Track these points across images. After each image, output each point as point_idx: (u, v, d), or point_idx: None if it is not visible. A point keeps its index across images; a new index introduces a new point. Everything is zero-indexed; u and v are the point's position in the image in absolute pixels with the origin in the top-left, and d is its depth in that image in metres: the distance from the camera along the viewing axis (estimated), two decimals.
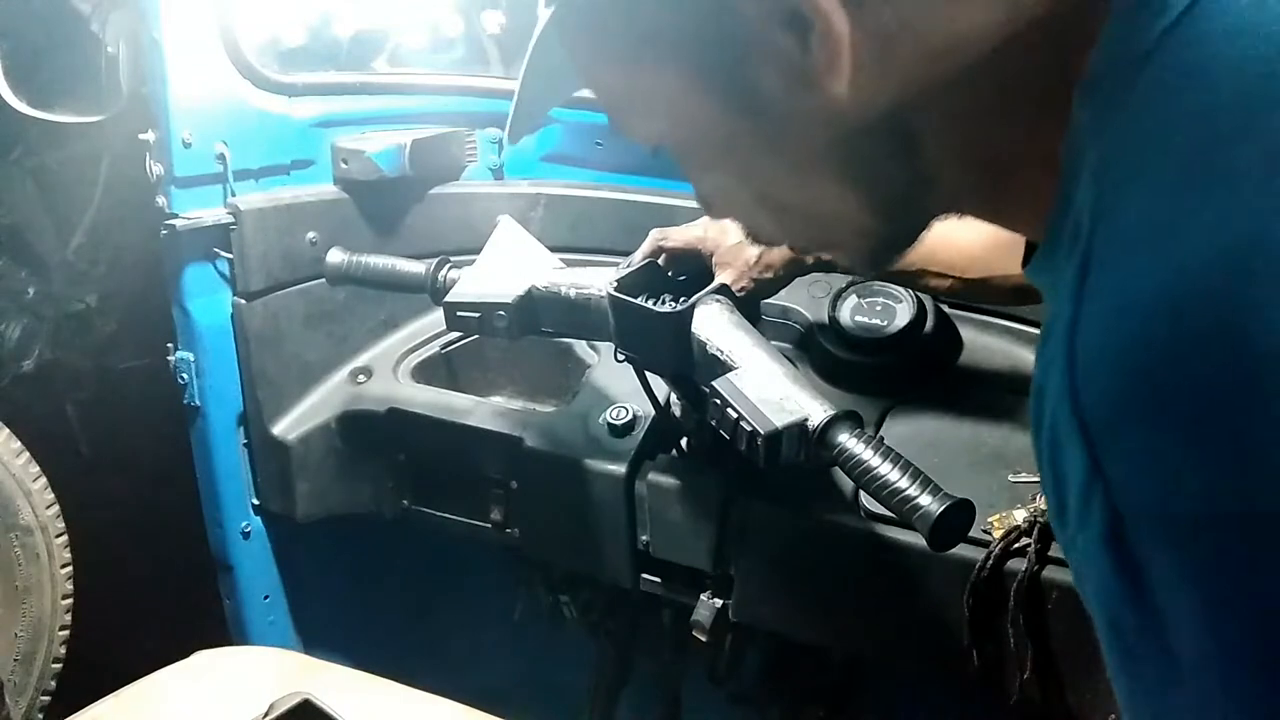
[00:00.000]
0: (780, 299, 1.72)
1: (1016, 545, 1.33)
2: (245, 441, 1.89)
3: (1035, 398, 0.58)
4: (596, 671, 2.09)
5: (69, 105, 1.82)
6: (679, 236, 1.46)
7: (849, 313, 1.67)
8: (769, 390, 1.20)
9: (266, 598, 2.01)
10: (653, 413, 1.57)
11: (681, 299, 1.37)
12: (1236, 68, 0.52)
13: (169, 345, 1.82)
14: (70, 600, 1.89)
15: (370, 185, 1.85)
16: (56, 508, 1.87)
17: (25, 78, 1.79)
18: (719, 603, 1.60)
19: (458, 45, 2.13)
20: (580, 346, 1.86)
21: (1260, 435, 0.47)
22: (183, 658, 1.42)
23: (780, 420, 1.16)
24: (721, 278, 1.42)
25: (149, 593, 2.16)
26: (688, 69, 0.65)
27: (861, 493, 1.41)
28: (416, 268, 1.63)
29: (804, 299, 1.72)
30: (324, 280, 1.75)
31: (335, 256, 1.69)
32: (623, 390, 1.66)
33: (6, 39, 1.78)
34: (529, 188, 2.00)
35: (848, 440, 1.16)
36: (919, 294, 1.65)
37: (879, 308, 1.67)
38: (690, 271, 1.46)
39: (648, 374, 1.50)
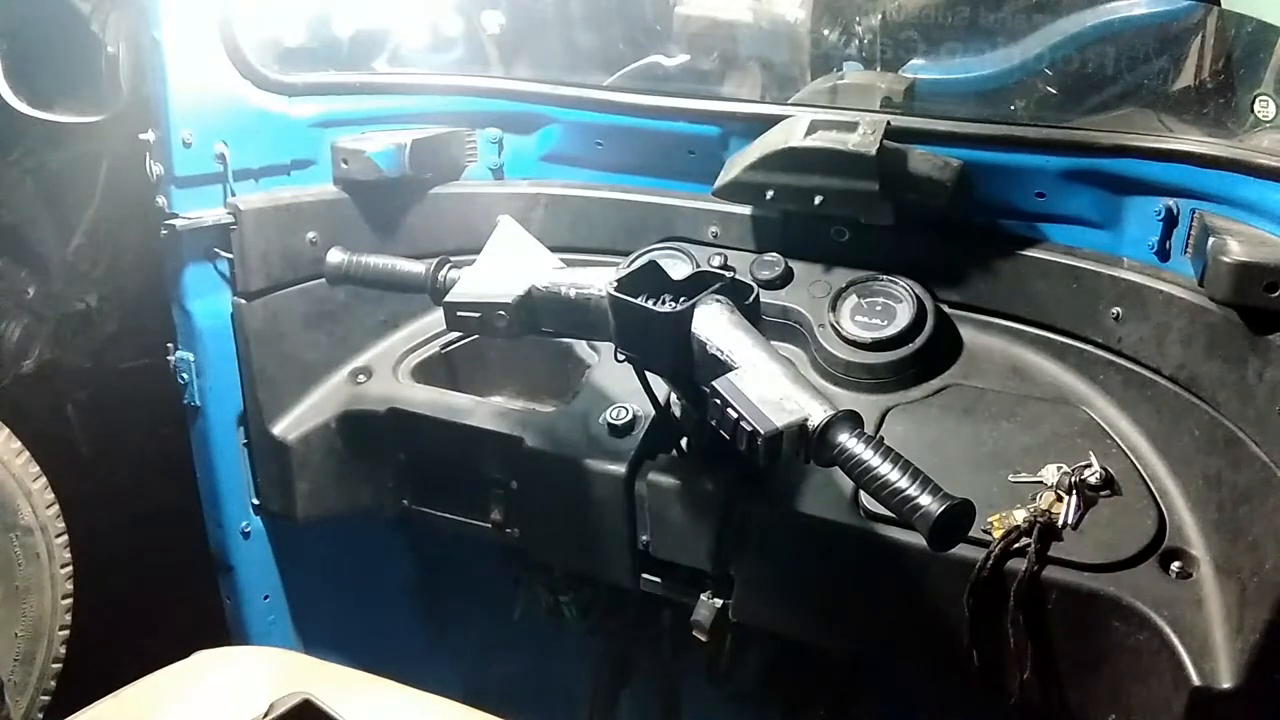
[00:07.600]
0: (780, 299, 1.73)
1: (1016, 545, 1.34)
2: (245, 441, 1.89)
3: None
4: (596, 671, 2.10)
5: (69, 105, 1.82)
6: None
7: (849, 313, 1.68)
8: (769, 390, 1.20)
9: (266, 598, 2.01)
10: (653, 413, 1.57)
11: (681, 299, 1.37)
12: None
13: (169, 345, 1.82)
14: (70, 600, 1.89)
15: (370, 185, 1.85)
16: (56, 508, 1.86)
17: (25, 78, 1.79)
18: (719, 603, 1.60)
19: (458, 45, 2.13)
20: (580, 346, 1.86)
21: None
22: (183, 658, 1.42)
23: (780, 420, 1.16)
24: None
25: (149, 593, 2.16)
26: None
27: (861, 493, 1.41)
28: (416, 268, 1.63)
29: (804, 299, 1.72)
30: (324, 280, 1.75)
31: (335, 256, 1.69)
32: (623, 390, 1.66)
33: (6, 39, 1.78)
34: (529, 188, 2.00)
35: (848, 440, 1.16)
36: (919, 294, 1.65)
37: (879, 308, 1.67)
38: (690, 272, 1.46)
39: (648, 374, 1.50)
